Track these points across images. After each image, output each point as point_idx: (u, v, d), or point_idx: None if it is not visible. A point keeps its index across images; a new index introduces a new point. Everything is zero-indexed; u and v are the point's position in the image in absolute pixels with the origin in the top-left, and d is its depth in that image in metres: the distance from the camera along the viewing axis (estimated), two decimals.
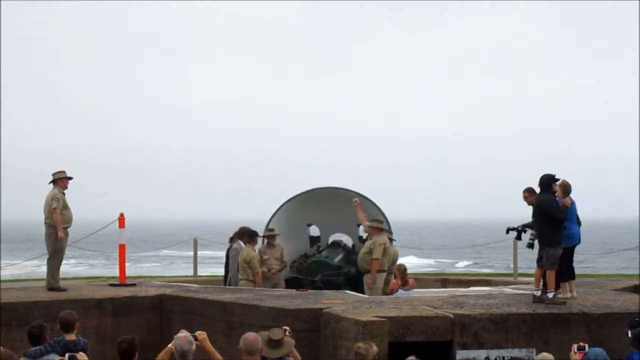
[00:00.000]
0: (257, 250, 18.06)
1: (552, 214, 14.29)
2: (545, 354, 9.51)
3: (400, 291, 16.71)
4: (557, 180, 14.63)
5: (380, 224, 17.70)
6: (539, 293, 14.46)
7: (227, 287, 17.60)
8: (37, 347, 9.88)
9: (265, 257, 18.16)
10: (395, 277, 17.10)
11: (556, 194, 14.60)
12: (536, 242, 14.94)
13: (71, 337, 10.07)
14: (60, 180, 16.92)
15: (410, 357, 8.74)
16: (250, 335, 8.92)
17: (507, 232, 16.08)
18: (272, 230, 18.53)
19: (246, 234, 17.81)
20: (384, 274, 17.35)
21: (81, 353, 8.89)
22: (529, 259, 19.26)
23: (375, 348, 9.91)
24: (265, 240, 18.52)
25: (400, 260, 17.95)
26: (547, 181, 14.52)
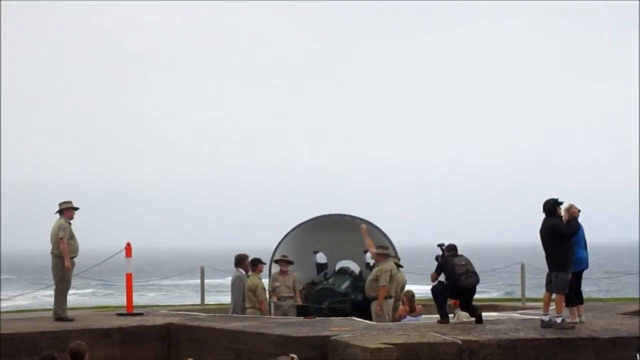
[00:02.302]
0: (271, 277, 18.12)
1: (561, 232, 14.28)
2: None
3: (409, 317, 16.70)
4: (561, 204, 14.63)
5: (386, 250, 17.71)
6: (547, 318, 14.43)
7: (234, 315, 17.59)
8: None
9: (277, 284, 18.15)
10: (403, 303, 17.08)
11: (562, 219, 14.60)
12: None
13: None
14: (67, 211, 16.98)
15: None
16: None
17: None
18: (286, 256, 18.49)
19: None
20: (392, 301, 17.34)
21: None
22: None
23: None
24: (279, 268, 18.48)
25: (408, 287, 17.97)
26: (551, 206, 14.52)
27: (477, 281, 15.43)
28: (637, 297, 25.94)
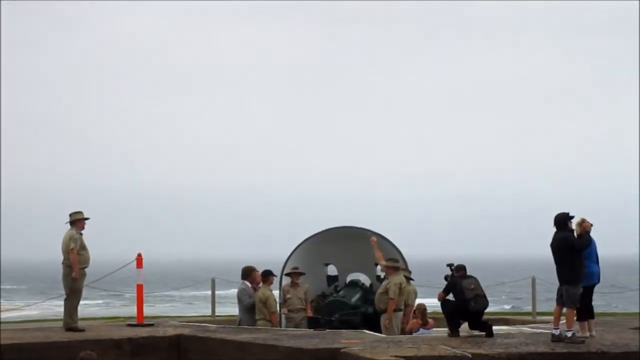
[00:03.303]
0: (282, 289, 18.14)
1: (572, 245, 14.25)
2: None
3: (422, 330, 16.67)
4: (572, 217, 14.61)
5: (396, 263, 17.71)
6: (557, 332, 14.39)
7: (244, 327, 17.59)
8: None
9: (288, 296, 18.16)
10: (415, 316, 17.05)
11: (574, 232, 14.58)
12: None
13: None
14: (78, 221, 17.04)
15: None
16: None
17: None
18: (297, 268, 18.48)
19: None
20: (401, 314, 17.34)
21: None
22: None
23: None
24: (290, 279, 18.48)
25: (419, 300, 17.96)
26: (563, 220, 14.51)
27: (486, 305, 15.38)
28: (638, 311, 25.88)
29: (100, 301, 68.54)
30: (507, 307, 60.37)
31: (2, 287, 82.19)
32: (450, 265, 15.67)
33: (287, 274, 18.61)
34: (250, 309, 17.66)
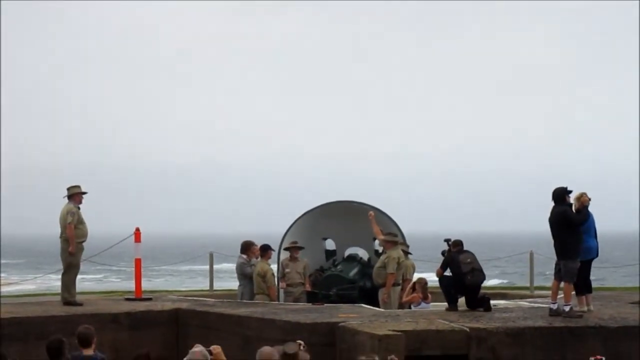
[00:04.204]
0: (281, 263, 18.13)
1: (570, 220, 14.25)
2: None
3: (423, 304, 16.67)
4: (570, 192, 14.58)
5: (394, 238, 17.69)
6: (555, 306, 14.41)
7: (243, 301, 17.61)
8: None
9: (287, 270, 18.15)
10: (415, 290, 17.05)
11: (572, 207, 14.56)
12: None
13: (89, 352, 10.11)
14: (76, 195, 16.99)
15: None
16: (266, 349, 8.91)
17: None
18: (296, 242, 18.47)
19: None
20: (399, 288, 17.35)
21: None
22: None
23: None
24: (288, 254, 18.48)
25: (417, 275, 17.96)
26: (561, 194, 14.48)
27: (483, 279, 15.43)
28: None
29: (100, 276, 68.66)
30: (497, 281, 60.32)
31: (1, 261, 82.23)
32: (447, 241, 15.69)
33: (286, 249, 18.60)
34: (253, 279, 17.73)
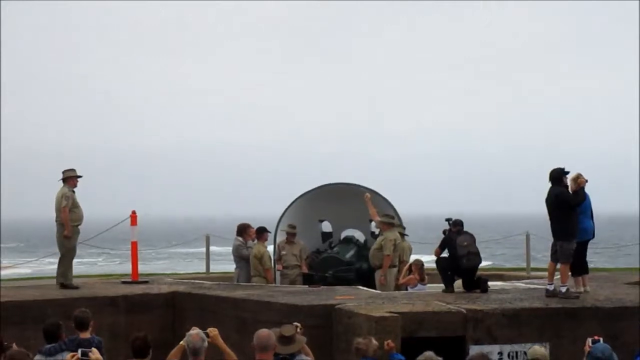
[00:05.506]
0: (277, 245, 18.13)
1: (567, 201, 14.24)
2: (536, 348, 9.34)
3: (420, 286, 16.68)
4: (567, 173, 14.57)
5: (391, 219, 17.69)
6: (551, 287, 14.43)
7: (240, 283, 17.62)
8: (52, 345, 9.91)
9: (284, 252, 18.15)
10: (412, 272, 17.06)
11: (569, 188, 14.55)
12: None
13: (86, 335, 10.11)
14: (70, 179, 16.96)
15: (427, 353, 8.58)
16: (263, 332, 8.91)
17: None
18: (294, 227, 18.42)
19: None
20: (395, 270, 17.36)
21: (94, 349, 8.88)
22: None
23: (375, 342, 9.94)
24: (284, 236, 18.48)
25: (414, 257, 17.98)
26: (557, 174, 14.48)
27: (479, 262, 15.42)
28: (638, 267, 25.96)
29: (96, 259, 68.65)
30: (490, 263, 60.23)
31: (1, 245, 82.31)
32: (448, 220, 15.68)
33: (278, 232, 18.60)
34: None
